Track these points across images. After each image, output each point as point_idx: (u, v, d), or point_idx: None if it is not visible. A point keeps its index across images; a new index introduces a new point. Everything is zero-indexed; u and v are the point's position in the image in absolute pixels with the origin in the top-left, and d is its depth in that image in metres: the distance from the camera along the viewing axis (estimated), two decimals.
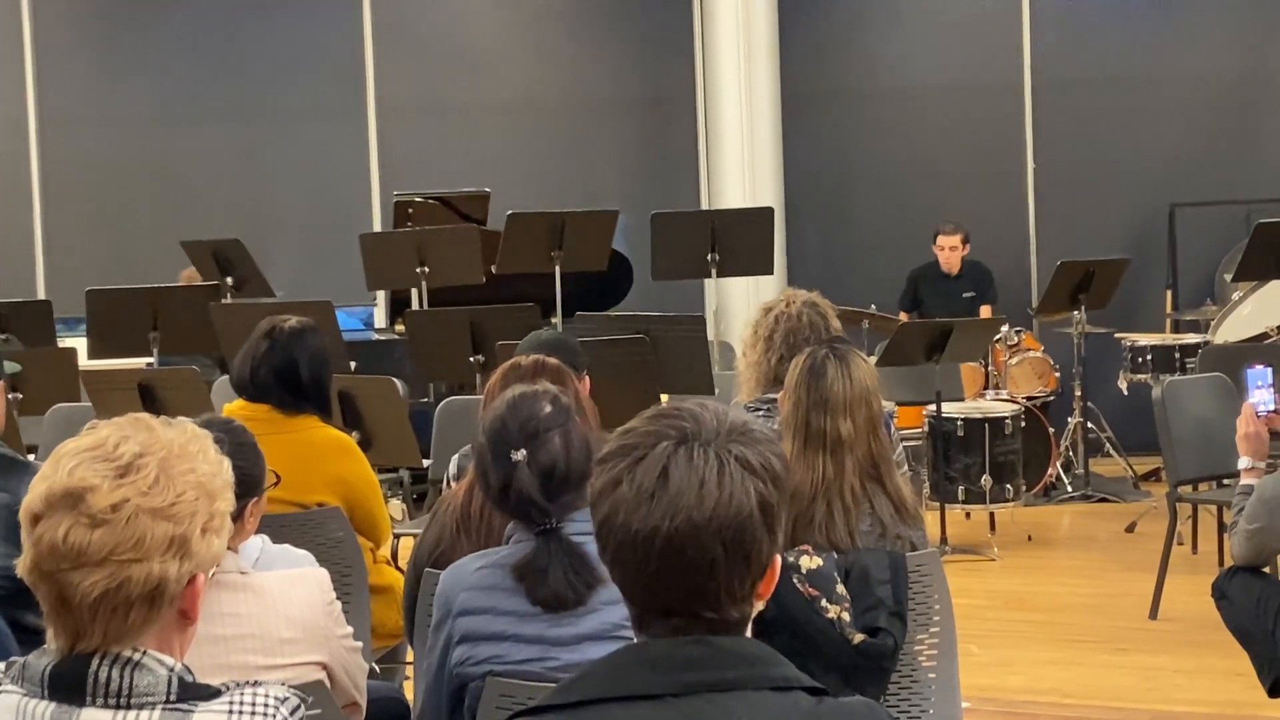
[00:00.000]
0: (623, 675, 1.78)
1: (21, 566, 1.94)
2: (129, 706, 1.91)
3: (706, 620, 1.79)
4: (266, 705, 1.96)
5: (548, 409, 3.16)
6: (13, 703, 1.94)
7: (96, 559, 1.89)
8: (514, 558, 3.09)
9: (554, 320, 8.35)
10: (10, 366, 6.93)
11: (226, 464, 2.03)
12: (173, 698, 1.93)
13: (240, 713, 1.94)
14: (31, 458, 4.56)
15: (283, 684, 2.04)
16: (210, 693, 1.96)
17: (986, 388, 9.56)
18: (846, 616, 3.65)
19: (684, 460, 1.77)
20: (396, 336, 9.42)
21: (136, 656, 1.93)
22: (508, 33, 11.95)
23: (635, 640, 1.83)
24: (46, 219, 11.82)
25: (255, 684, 1.98)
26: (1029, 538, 8.57)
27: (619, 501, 1.78)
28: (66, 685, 1.92)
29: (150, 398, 6.44)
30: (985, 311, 10.02)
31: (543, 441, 3.11)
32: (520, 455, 3.09)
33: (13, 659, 2.00)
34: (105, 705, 1.91)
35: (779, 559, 1.84)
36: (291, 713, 1.98)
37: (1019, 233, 11.32)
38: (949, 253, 10.26)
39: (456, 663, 3.09)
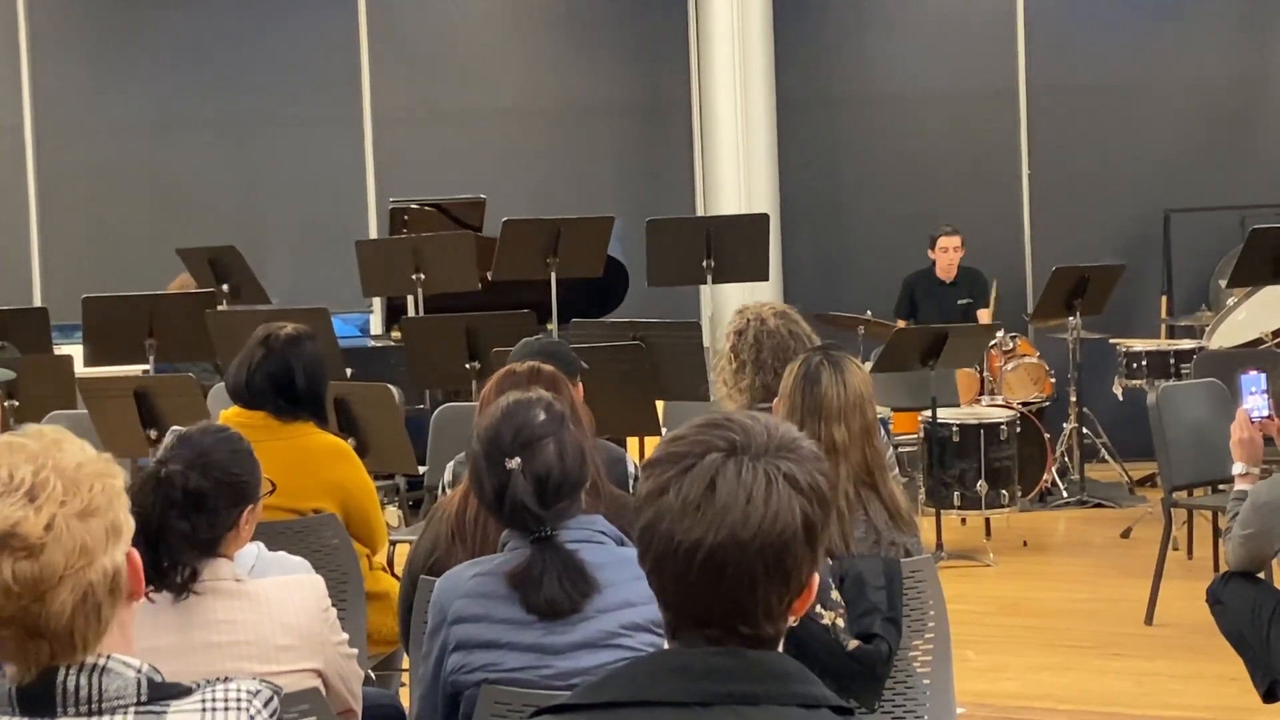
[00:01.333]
0: (651, 680, 1.78)
1: None
2: (101, 712, 1.91)
3: (741, 634, 1.78)
4: (239, 699, 1.96)
5: (541, 417, 3.16)
6: None
7: (54, 581, 1.88)
8: (509, 566, 3.09)
9: (549, 326, 8.35)
10: (5, 373, 6.94)
11: (85, 443, 2.01)
12: (144, 699, 1.93)
13: (214, 709, 1.95)
14: None
15: (254, 677, 2.05)
16: (181, 691, 1.96)
17: (982, 393, 9.56)
18: (841, 623, 3.65)
19: (732, 474, 1.76)
20: (392, 343, 9.42)
21: (102, 662, 1.93)
22: (502, 39, 11.96)
23: (666, 646, 1.83)
24: (43, 226, 11.82)
25: (226, 680, 1.99)
26: (1024, 543, 8.58)
27: (664, 510, 1.77)
28: (35, 700, 1.92)
29: (146, 405, 6.44)
30: (983, 316, 10.03)
31: (537, 449, 3.10)
32: (514, 463, 3.08)
33: None
34: (77, 714, 1.91)
35: (817, 577, 1.83)
36: (265, 704, 1.98)
37: (1014, 239, 11.33)
38: (951, 254, 10.25)
39: (451, 670, 3.09)
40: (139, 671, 1.94)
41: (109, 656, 1.93)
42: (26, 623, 1.89)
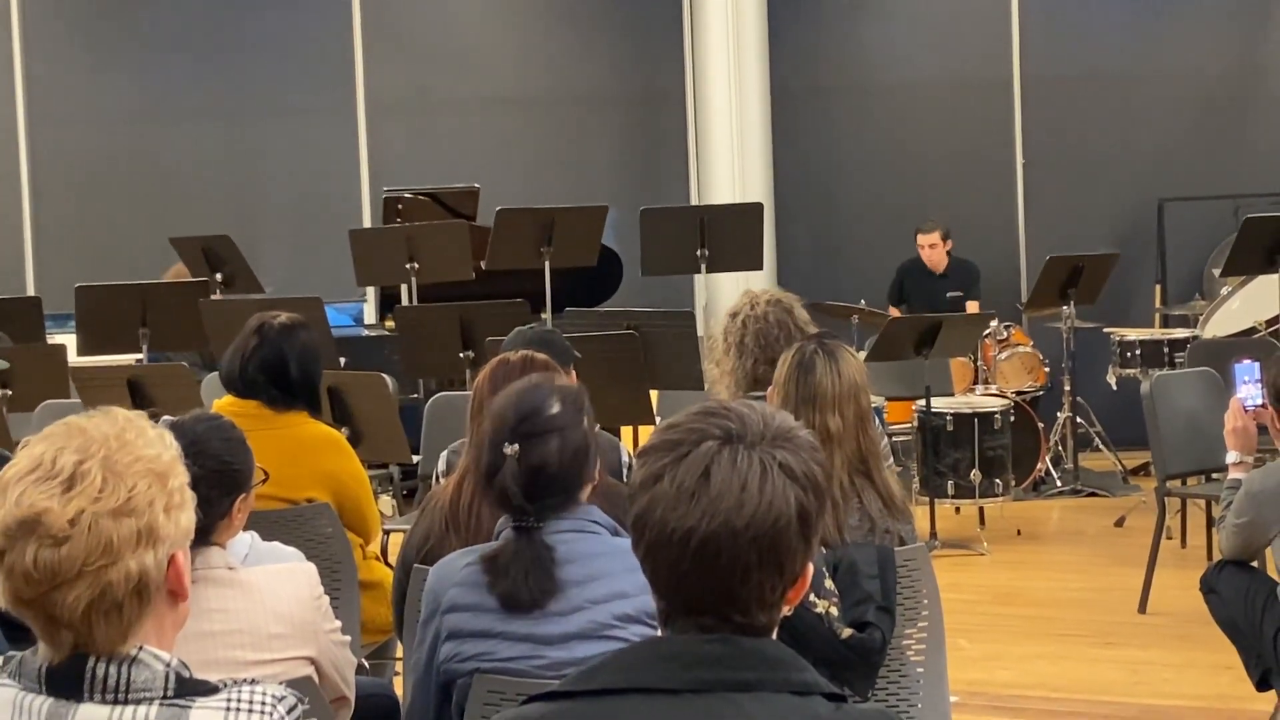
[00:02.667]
0: (644, 668, 1.78)
1: (3, 600, 1.93)
2: (126, 702, 1.91)
3: (734, 623, 1.78)
4: (264, 703, 1.96)
5: (554, 409, 3.11)
6: (10, 696, 1.94)
7: (71, 574, 1.88)
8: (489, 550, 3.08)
9: (543, 316, 8.34)
10: None
11: (167, 435, 1.99)
12: (170, 693, 1.93)
13: (238, 710, 1.94)
14: None
15: (280, 683, 2.04)
16: (208, 689, 1.96)
17: (976, 383, 9.57)
18: (835, 611, 3.65)
19: (727, 462, 1.76)
20: (386, 333, 9.41)
21: (133, 652, 1.93)
22: (497, 28, 11.94)
23: (660, 634, 1.83)
24: (36, 215, 11.80)
25: (253, 682, 1.98)
26: (1018, 532, 8.59)
27: (658, 497, 1.77)
28: (63, 681, 1.92)
29: (139, 394, 6.43)
30: (972, 308, 10.02)
31: (539, 442, 3.06)
32: (512, 450, 3.06)
33: (10, 654, 2.01)
34: (103, 701, 1.91)
35: (811, 568, 1.82)
36: (289, 711, 1.98)
37: (1008, 228, 11.33)
38: (930, 250, 10.26)
39: (444, 659, 3.08)
40: (168, 665, 1.94)
41: (141, 647, 1.93)
42: (44, 606, 1.89)
